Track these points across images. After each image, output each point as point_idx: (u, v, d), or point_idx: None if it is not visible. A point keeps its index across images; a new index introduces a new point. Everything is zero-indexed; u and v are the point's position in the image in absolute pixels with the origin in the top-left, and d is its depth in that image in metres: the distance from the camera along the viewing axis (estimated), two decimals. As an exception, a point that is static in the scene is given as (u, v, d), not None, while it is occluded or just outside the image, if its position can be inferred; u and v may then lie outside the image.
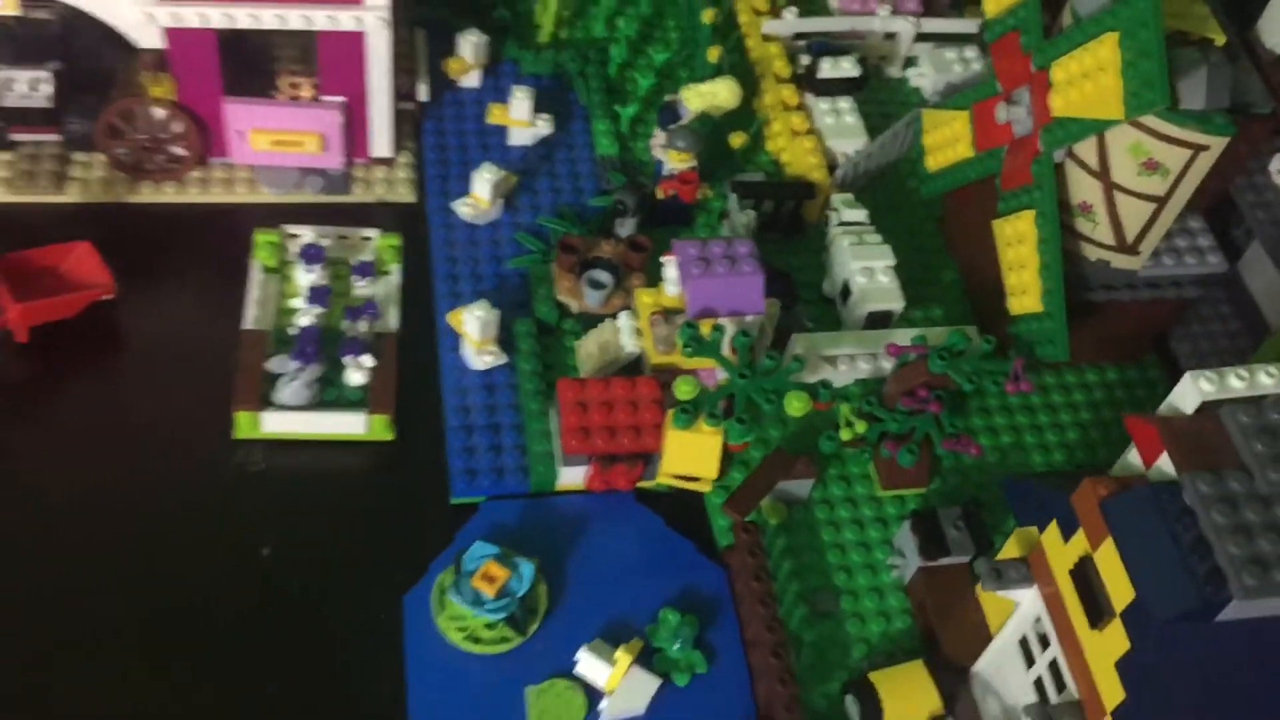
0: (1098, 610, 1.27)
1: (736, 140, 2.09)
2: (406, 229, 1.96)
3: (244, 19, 1.79)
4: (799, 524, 1.70)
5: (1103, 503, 1.27)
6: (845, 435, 1.68)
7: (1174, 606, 1.19)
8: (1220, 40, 1.62)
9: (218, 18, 1.79)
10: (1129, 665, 1.23)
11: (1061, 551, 1.33)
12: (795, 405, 1.57)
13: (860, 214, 1.93)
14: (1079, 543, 1.30)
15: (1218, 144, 1.59)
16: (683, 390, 1.55)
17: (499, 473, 1.68)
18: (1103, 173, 1.68)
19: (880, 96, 2.25)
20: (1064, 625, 1.33)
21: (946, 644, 1.55)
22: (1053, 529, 1.35)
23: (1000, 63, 1.76)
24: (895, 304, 1.83)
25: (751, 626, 1.55)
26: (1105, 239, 1.74)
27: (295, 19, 1.80)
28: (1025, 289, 1.73)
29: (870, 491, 1.74)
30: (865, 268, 1.85)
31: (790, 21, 2.23)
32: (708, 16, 2.25)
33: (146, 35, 1.82)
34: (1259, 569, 1.18)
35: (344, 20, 1.82)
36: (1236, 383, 1.30)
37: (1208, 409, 1.31)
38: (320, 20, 1.81)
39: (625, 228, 1.92)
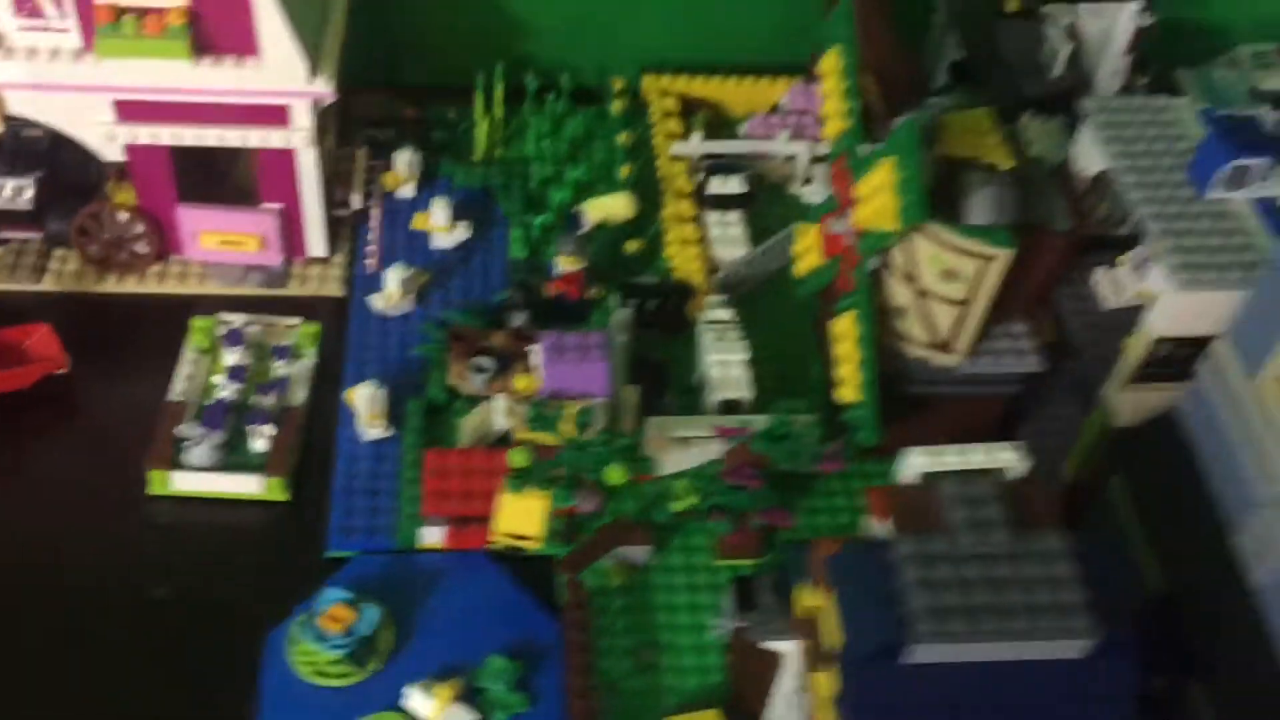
0: (822, 654, 1.44)
1: (631, 246, 2.34)
2: (332, 319, 2.24)
3: (189, 137, 2.11)
4: (640, 586, 1.89)
5: (827, 558, 1.45)
6: (677, 507, 1.88)
7: (865, 647, 1.36)
8: (1007, 165, 1.82)
9: (167, 136, 2.11)
10: (839, 703, 1.40)
11: (803, 603, 1.50)
12: (614, 475, 1.78)
13: (727, 314, 2.15)
14: (815, 595, 1.48)
15: (1002, 254, 1.79)
16: (516, 458, 1.78)
17: (372, 531, 1.91)
18: (913, 279, 1.88)
19: (777, 211, 2.48)
20: (805, 670, 1.50)
21: (745, 696, 1.72)
22: (804, 584, 1.53)
23: (835, 181, 1.98)
24: (744, 394, 2.04)
25: (569, 673, 1.74)
26: (922, 339, 1.93)
27: (233, 138, 2.11)
28: (848, 380, 1.92)
29: (708, 561, 1.92)
30: (721, 360, 2.06)
31: (695, 144, 2.49)
32: (623, 138, 2.54)
33: (109, 150, 2.14)
34: (937, 618, 1.35)
35: (274, 139, 2.12)
36: (950, 459, 1.48)
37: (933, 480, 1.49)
38: (254, 139, 2.12)
39: (517, 320, 2.16)
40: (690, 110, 2.65)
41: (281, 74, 2.03)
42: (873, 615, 1.38)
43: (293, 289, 2.31)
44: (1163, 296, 1.73)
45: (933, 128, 1.83)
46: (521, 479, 1.77)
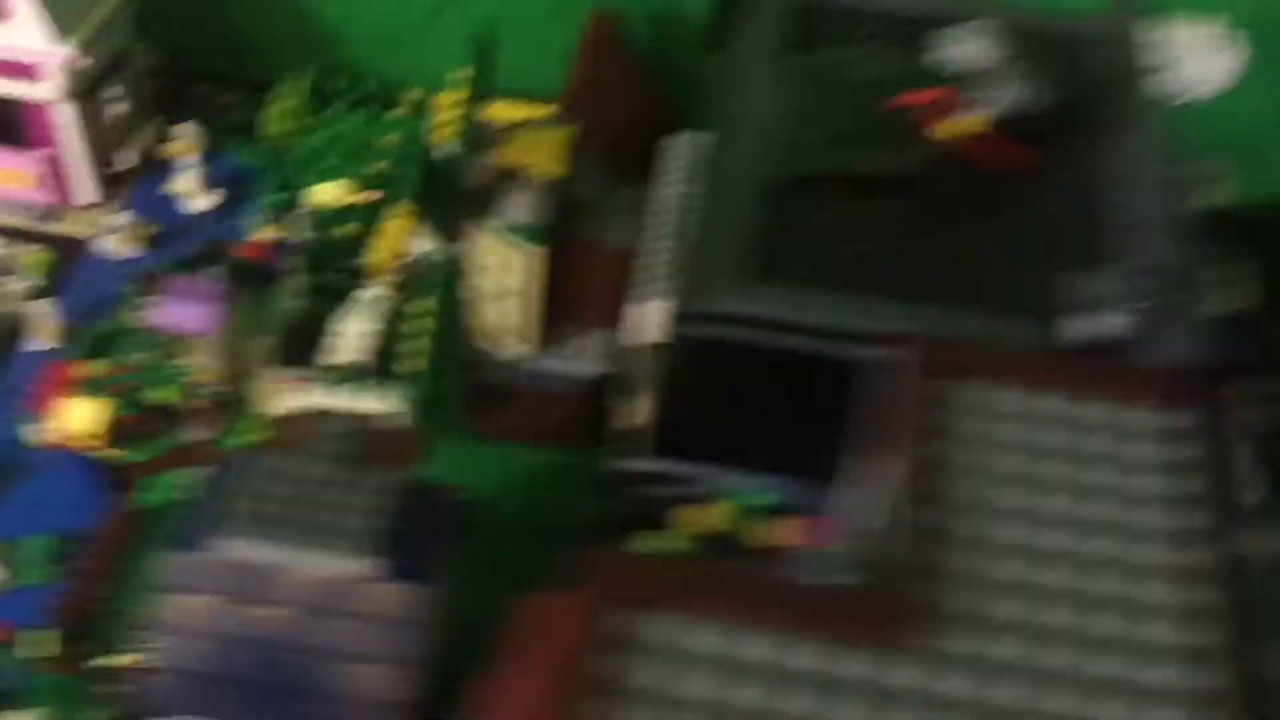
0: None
1: (345, 230, 2.60)
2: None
3: (-37, 83, 2.50)
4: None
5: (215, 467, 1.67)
6: (241, 440, 2.13)
7: (181, 536, 1.58)
8: (554, 173, 2.02)
9: (-63, 75, 2.51)
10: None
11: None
12: (159, 394, 2.06)
13: (386, 292, 2.39)
14: (211, 501, 1.71)
15: (528, 255, 1.98)
16: (93, 368, 2.07)
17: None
18: (481, 270, 2.08)
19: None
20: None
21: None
22: (224, 496, 1.75)
23: (455, 180, 2.22)
24: (356, 359, 2.26)
25: (82, 558, 2.00)
26: (485, 329, 2.13)
27: (-4, 87, 2.50)
28: (408, 356, 2.14)
29: (278, 496, 2.16)
30: (351, 328, 2.30)
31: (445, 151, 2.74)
32: (390, 140, 2.82)
33: (-93, 86, 2.55)
34: (241, 519, 1.55)
35: (30, 92, 2.49)
36: (327, 399, 1.68)
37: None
38: (13, 90, 2.49)
39: (210, 275, 2.45)
40: (472, 126, 2.91)
41: (28, 35, 2.40)
42: (202, 513, 1.59)
43: (63, 227, 2.66)
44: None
45: (489, 136, 2.05)
46: (87, 386, 2.06)
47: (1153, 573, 0.91)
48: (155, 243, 2.59)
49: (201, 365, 2.16)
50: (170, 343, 2.14)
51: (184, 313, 2.18)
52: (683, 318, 1.10)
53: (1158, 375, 1.02)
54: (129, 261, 2.55)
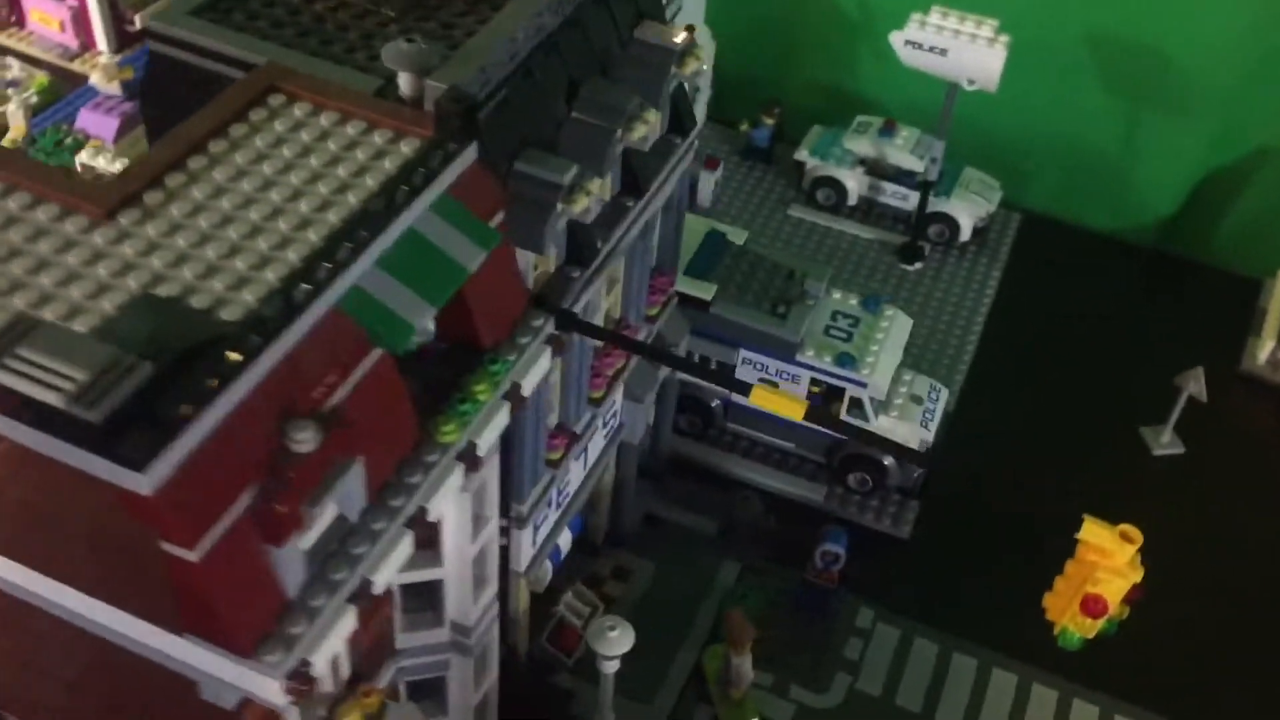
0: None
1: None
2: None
3: (1, -63, 3.18)
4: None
5: None
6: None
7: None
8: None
9: (8, -67, 3.19)
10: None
11: None
12: None
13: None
14: None
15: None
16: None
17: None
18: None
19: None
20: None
21: None
22: None
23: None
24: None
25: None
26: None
27: (35, -60, 3.16)
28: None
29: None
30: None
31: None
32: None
33: (-20, -60, 3.26)
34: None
35: (64, -48, 3.15)
36: None
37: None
38: (54, -51, 3.16)
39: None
40: None
41: (63, -95, 3.07)
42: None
43: (80, 66, 3.32)
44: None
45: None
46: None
47: (316, 224, 1.28)
48: (131, 85, 3.21)
49: (92, 160, 2.74)
50: (77, 139, 2.72)
51: (95, 120, 2.76)
52: (144, 33, 1.56)
53: (425, 117, 1.38)
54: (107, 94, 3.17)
